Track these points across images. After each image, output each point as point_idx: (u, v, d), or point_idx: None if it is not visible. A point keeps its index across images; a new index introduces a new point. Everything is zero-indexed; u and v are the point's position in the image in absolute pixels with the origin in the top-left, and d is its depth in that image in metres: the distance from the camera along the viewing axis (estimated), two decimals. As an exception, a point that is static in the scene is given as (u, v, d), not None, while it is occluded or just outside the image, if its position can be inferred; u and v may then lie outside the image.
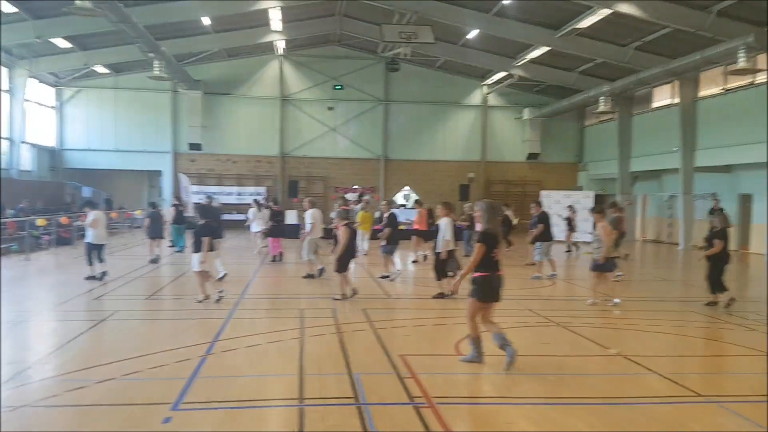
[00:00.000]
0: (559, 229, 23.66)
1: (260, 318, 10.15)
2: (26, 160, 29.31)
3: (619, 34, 24.40)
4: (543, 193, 29.44)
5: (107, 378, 6.55)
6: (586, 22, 22.76)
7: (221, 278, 13.91)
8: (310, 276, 14.44)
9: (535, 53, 27.78)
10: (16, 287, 13.01)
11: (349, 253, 11.96)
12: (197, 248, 11.26)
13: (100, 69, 31.09)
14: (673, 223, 28.86)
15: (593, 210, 11.84)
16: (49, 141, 32.03)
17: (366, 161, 34.31)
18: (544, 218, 15.51)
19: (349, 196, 30.15)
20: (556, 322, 9.86)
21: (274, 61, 33.46)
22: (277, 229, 17.77)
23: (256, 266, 16.90)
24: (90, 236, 13.80)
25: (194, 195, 31.13)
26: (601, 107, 27.95)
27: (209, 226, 11.45)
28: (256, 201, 20.99)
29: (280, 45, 31.41)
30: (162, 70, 25.44)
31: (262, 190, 32.64)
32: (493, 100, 35.23)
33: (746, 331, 9.57)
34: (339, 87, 33.74)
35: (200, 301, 11.05)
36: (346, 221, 12.11)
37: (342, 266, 11.66)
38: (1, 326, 8.78)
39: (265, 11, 25.89)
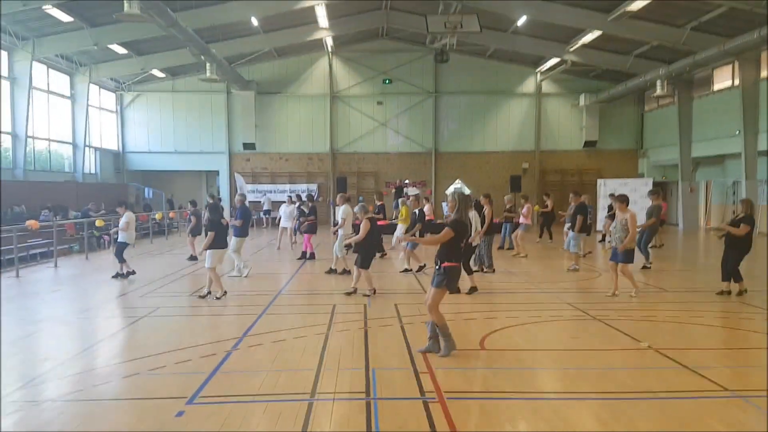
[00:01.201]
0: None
1: (292, 314, 10.24)
2: (90, 164, 30.60)
3: (673, 15, 23.50)
4: (599, 181, 28.76)
5: (133, 373, 6.78)
6: (637, 4, 22.02)
7: (245, 276, 14.04)
8: (332, 271, 14.56)
9: (588, 38, 27.07)
10: (73, 285, 13.65)
11: (373, 248, 11.89)
12: (209, 245, 11.53)
13: (158, 73, 32.11)
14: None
15: (618, 199, 11.44)
16: (112, 144, 33.32)
17: (416, 155, 34.24)
18: (582, 209, 14.96)
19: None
20: (592, 315, 9.60)
21: (323, 59, 33.75)
22: (312, 226, 17.66)
23: (298, 263, 17.07)
24: (124, 236, 14.17)
25: (249, 194, 31.86)
26: (658, 91, 27.02)
27: (219, 224, 11.68)
28: (290, 197, 21.24)
29: (329, 42, 31.60)
30: (213, 72, 26.12)
31: (313, 187, 33.12)
32: (547, 87, 34.50)
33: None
34: (388, 81, 33.78)
35: (218, 298, 11.26)
36: (367, 215, 12.11)
37: (366, 262, 11.56)
38: (41, 324, 9.21)
39: (311, 9, 26.12)
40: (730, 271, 11.10)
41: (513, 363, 7.14)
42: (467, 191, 30.63)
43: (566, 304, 10.63)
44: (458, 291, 11.08)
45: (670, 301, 11.15)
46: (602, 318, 9.40)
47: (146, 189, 33.00)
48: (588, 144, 34.13)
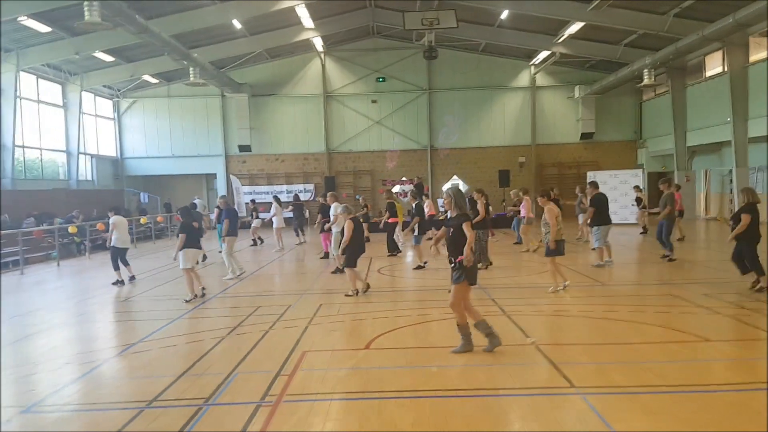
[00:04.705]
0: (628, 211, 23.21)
1: (211, 317, 10.25)
2: (86, 171, 31.08)
3: (655, 2, 23.01)
4: (589, 173, 28.23)
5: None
6: (615, -8, 21.60)
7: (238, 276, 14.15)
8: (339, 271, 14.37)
9: (573, 28, 26.63)
10: (22, 292, 13.83)
11: (357, 248, 11.79)
12: (182, 246, 11.67)
13: (151, 79, 32.44)
14: (734, 198, 26.92)
15: (541, 194, 11.19)
16: (110, 151, 33.81)
17: (412, 152, 34.07)
18: (596, 201, 14.14)
19: (397, 188, 30.16)
20: (504, 311, 9.41)
21: (315, 59, 33.77)
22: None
23: (264, 263, 17.10)
24: (113, 240, 14.25)
25: (246, 195, 32.10)
26: (645, 80, 26.45)
27: (190, 226, 11.80)
28: (276, 198, 21.26)
29: (318, 42, 31.59)
30: (197, 76, 26.28)
31: (310, 187, 33.20)
32: (541, 80, 34.05)
33: (710, 315, 8.82)
34: (382, 79, 33.67)
35: (188, 301, 11.33)
36: (351, 215, 12.03)
37: (351, 261, 11.48)
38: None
39: (294, 10, 26.02)
40: (751, 265, 10.51)
41: (383, 362, 7.02)
42: (464, 187, 30.45)
43: (490, 299, 10.43)
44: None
45: (602, 295, 10.90)
46: (512, 313, 9.22)
47: (141, 194, 33.38)
48: (585, 136, 33.61)
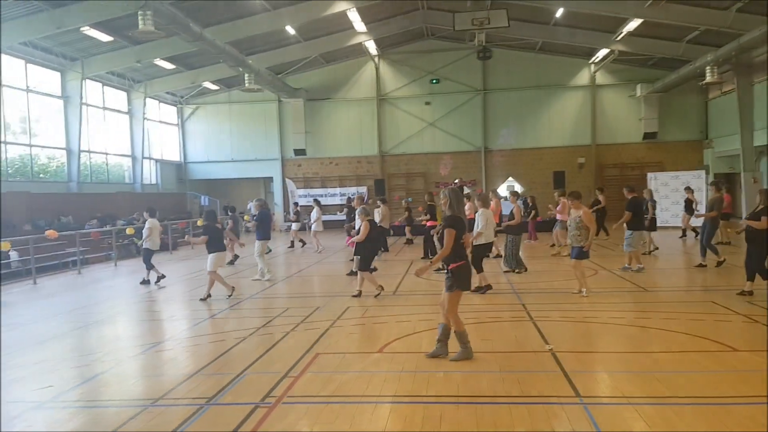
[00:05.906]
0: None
1: (240, 317, 10.43)
2: (151, 175, 32.26)
3: (716, -3, 22.08)
4: (649, 175, 27.32)
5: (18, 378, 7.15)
6: (671, -13, 20.82)
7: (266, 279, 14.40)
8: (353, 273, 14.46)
9: (632, 25, 25.80)
10: (73, 291, 14.45)
11: (371, 251, 11.87)
12: (210, 249, 12.06)
13: (212, 86, 33.40)
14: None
15: (570, 195, 10.87)
16: (174, 155, 35.01)
17: (466, 154, 33.74)
18: (632, 205, 13.75)
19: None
20: (531, 317, 9.21)
21: (369, 63, 33.93)
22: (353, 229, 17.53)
23: (305, 265, 17.33)
24: (146, 243, 14.83)
25: (301, 198, 32.61)
26: (708, 78, 25.35)
27: (213, 229, 12.18)
28: (316, 201, 21.49)
29: (372, 46, 31.72)
30: (252, 82, 26.84)
31: (363, 189, 33.32)
32: (601, 78, 33.12)
33: (747, 324, 8.38)
34: (435, 81, 33.55)
35: (229, 296, 11.83)
36: (368, 217, 12.11)
37: (366, 264, 11.57)
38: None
39: (346, 15, 26.24)
40: (756, 269, 10.18)
41: (391, 367, 6.96)
42: (519, 189, 30.14)
43: (520, 304, 10.23)
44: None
45: (637, 301, 10.53)
46: (540, 319, 9.00)
47: (202, 197, 34.40)
48: (648, 136, 32.49)
